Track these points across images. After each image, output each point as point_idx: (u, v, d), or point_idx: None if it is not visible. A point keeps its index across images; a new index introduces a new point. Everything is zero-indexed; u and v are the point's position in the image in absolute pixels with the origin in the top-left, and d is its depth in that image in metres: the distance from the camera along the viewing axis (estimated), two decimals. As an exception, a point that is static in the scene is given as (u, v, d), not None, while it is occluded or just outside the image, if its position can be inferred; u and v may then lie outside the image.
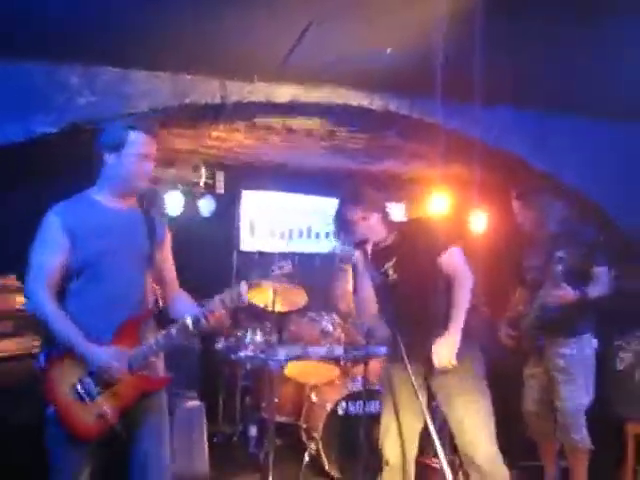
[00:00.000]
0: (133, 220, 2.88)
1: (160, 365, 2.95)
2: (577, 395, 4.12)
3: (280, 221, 7.19)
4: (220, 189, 6.70)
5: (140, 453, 2.80)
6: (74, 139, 4.28)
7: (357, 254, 3.38)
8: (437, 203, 7.02)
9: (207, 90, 4.33)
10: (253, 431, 5.67)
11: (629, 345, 4.85)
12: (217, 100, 4.34)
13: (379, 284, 3.38)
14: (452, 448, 3.71)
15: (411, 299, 3.34)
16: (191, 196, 6.55)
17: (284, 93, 4.46)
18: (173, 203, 6.34)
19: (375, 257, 3.45)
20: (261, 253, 6.70)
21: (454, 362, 3.23)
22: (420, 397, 3.02)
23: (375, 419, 4.72)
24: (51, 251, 2.71)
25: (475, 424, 3.24)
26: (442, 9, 3.38)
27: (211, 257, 6.30)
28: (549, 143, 4.79)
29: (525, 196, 4.30)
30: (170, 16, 3.47)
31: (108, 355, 2.66)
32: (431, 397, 3.46)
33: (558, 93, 4.47)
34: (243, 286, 2.86)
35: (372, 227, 3.44)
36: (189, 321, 2.78)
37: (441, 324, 3.31)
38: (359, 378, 5.01)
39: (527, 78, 4.22)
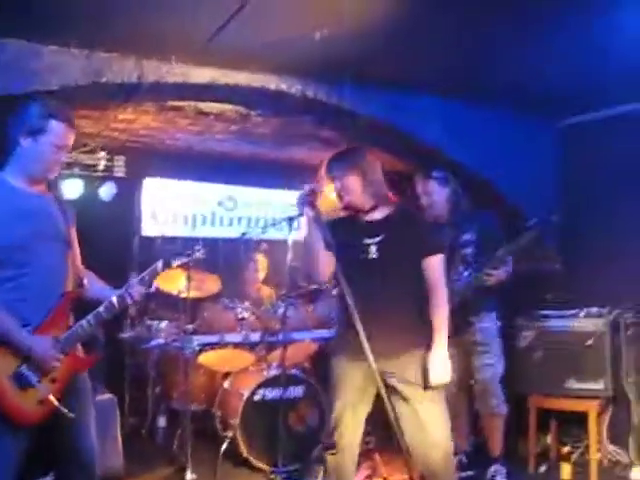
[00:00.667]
0: (49, 204, 2.87)
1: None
2: (495, 363, 4.34)
3: (183, 208, 7.03)
4: (120, 173, 6.45)
5: (73, 431, 2.84)
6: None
7: (307, 209, 3.09)
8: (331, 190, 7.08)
9: (123, 69, 4.17)
10: (162, 422, 5.57)
11: (530, 323, 5.11)
12: (133, 80, 4.19)
13: (350, 258, 3.09)
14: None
15: (385, 285, 3.13)
16: (90, 180, 6.28)
17: (202, 75, 4.37)
18: (71, 187, 6.05)
19: (355, 228, 3.23)
20: (164, 238, 6.53)
21: (449, 379, 3.16)
22: (383, 393, 2.89)
23: (293, 404, 4.82)
24: None
25: (440, 423, 3.16)
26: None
27: (112, 242, 6.08)
28: (464, 132, 4.95)
29: (441, 176, 4.36)
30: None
31: (45, 345, 2.68)
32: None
33: (478, 86, 4.63)
34: (159, 263, 3.01)
35: (355, 190, 3.18)
36: (115, 299, 2.87)
37: (406, 321, 3.16)
38: (274, 364, 5.01)
39: (449, 67, 4.35)
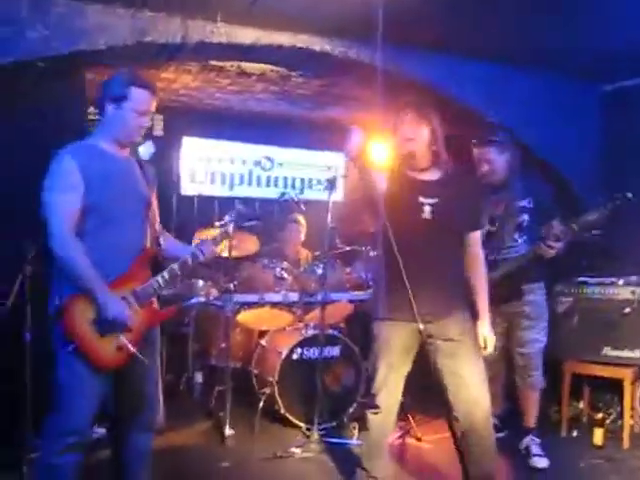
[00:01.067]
0: (133, 167, 3.05)
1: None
2: (540, 338, 4.32)
3: (221, 167, 7.07)
4: (159, 132, 6.49)
5: (138, 379, 3.02)
6: (23, 74, 4.06)
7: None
8: (377, 151, 7.05)
9: (168, 29, 4.18)
10: (199, 378, 5.69)
11: (569, 290, 5.10)
12: (178, 40, 4.20)
13: (403, 215, 3.05)
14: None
15: (435, 247, 3.13)
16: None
17: (246, 35, 4.36)
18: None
19: (410, 185, 3.18)
20: (202, 197, 6.59)
21: (492, 349, 3.31)
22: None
23: (329, 364, 4.89)
24: (72, 193, 2.80)
25: (481, 381, 3.21)
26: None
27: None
28: (506, 96, 4.90)
29: (501, 141, 4.20)
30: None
31: (116, 306, 2.80)
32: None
33: (522, 50, 4.57)
34: (231, 226, 3.27)
35: (423, 141, 3.17)
36: (189, 258, 3.04)
37: (451, 285, 3.21)
38: (311, 324, 5.08)
39: (493, 32, 4.31)
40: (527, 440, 4.39)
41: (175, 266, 3.00)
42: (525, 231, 4.25)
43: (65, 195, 2.79)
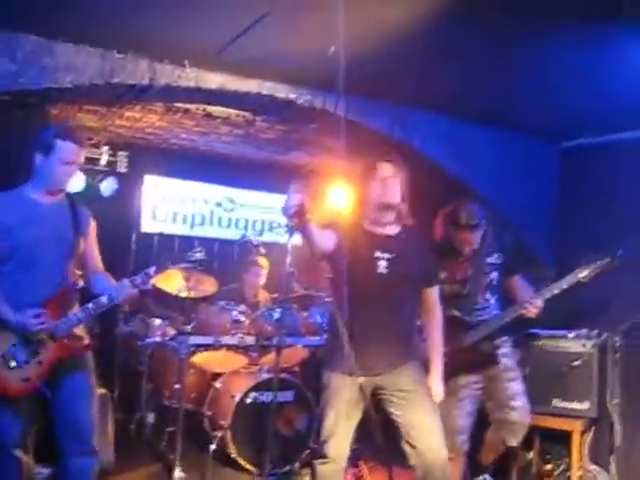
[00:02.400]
0: (59, 213, 3.22)
1: (82, 335, 3.28)
2: (524, 390, 4.27)
3: (182, 207, 7.09)
4: (122, 169, 6.49)
5: (65, 407, 3.18)
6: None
7: (295, 220, 2.90)
8: (337, 196, 7.12)
9: (136, 70, 4.22)
10: (151, 418, 5.61)
11: (520, 342, 5.17)
12: (145, 81, 4.24)
13: (356, 268, 3.05)
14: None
15: (388, 301, 3.19)
16: (92, 174, 6.31)
17: (213, 80, 4.43)
18: (73, 181, 6.07)
19: (368, 237, 3.22)
20: (162, 235, 6.58)
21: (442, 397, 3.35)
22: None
23: (282, 408, 4.88)
24: None
25: (436, 430, 3.23)
26: (389, 14, 3.49)
27: (111, 237, 6.09)
28: (467, 152, 5.03)
29: (481, 223, 4.10)
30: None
31: (29, 315, 3.02)
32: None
33: (483, 106, 4.71)
34: (152, 269, 3.33)
35: (395, 194, 3.21)
36: (104, 298, 3.19)
37: (403, 338, 3.25)
38: (266, 368, 5.07)
39: (455, 89, 4.43)
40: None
41: (90, 305, 3.18)
42: (495, 289, 4.21)
43: None
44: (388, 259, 3.18)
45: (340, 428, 3.27)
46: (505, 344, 4.29)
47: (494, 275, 4.18)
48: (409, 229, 3.34)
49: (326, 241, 3.14)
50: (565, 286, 4.03)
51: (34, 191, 3.19)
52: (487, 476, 4.45)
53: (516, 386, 4.24)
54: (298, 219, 2.90)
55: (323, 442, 3.29)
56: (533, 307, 3.99)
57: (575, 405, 4.84)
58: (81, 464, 3.22)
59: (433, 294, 3.41)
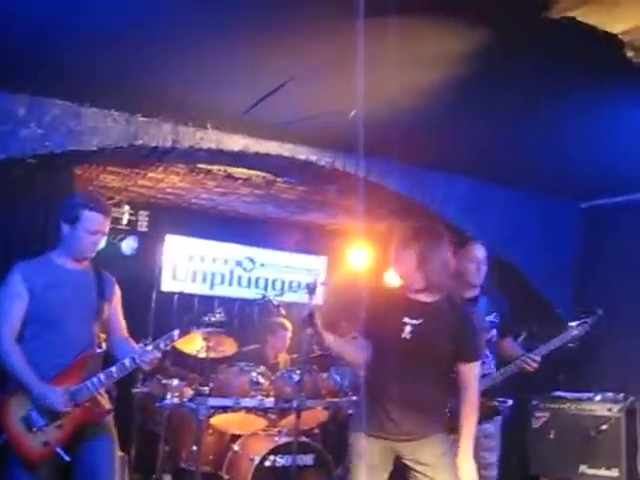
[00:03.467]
0: (84, 279, 3.30)
1: (104, 399, 3.31)
2: (496, 462, 4.19)
3: (202, 266, 7.11)
4: (143, 228, 6.56)
5: (87, 472, 3.15)
6: (16, 170, 4.15)
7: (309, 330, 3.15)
8: (358, 256, 7.14)
9: (159, 133, 4.30)
10: (167, 480, 5.52)
11: (545, 405, 5.09)
12: (168, 144, 4.32)
13: (383, 332, 3.10)
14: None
15: (411, 370, 3.07)
16: (113, 233, 6.37)
17: (235, 142, 4.49)
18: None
19: (397, 303, 3.17)
20: (182, 294, 6.58)
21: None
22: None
23: (302, 472, 4.78)
24: (13, 301, 3.15)
25: None
26: (408, 77, 3.54)
27: (131, 296, 6.12)
28: (485, 212, 5.03)
29: (468, 245, 4.24)
30: (130, 58, 3.47)
31: (54, 394, 3.04)
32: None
33: (503, 166, 4.73)
34: (175, 332, 3.33)
35: (406, 264, 3.14)
36: (127, 362, 3.20)
37: (426, 409, 3.11)
38: (285, 430, 4.99)
39: (474, 150, 4.46)
40: None
41: (113, 369, 3.19)
42: (493, 347, 4.27)
43: (6, 304, 3.15)
44: (413, 325, 3.10)
45: None
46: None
47: (493, 333, 4.26)
48: (450, 296, 3.23)
49: (356, 351, 3.24)
50: (560, 343, 4.15)
51: (60, 257, 3.27)
52: None
53: (491, 457, 4.14)
54: (319, 334, 3.08)
55: None
56: (533, 362, 4.07)
57: (603, 472, 4.72)
58: None
59: (468, 371, 3.19)
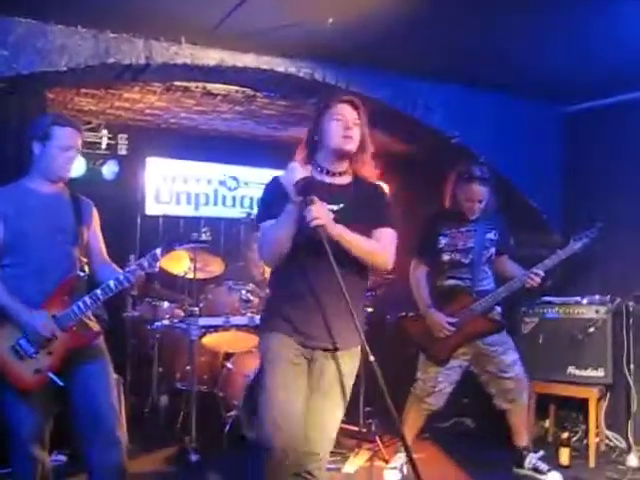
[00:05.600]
0: (59, 203, 3.22)
1: (91, 322, 3.27)
2: (518, 357, 4.37)
3: (186, 187, 7.02)
4: (123, 152, 6.42)
5: (82, 395, 3.14)
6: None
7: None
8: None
9: (131, 50, 4.13)
10: (164, 401, 5.60)
11: (533, 311, 5.15)
12: (142, 61, 4.16)
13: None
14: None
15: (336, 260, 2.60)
16: (93, 158, 6.24)
17: (211, 56, 4.34)
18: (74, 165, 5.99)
19: (318, 189, 2.67)
20: (167, 217, 6.52)
21: None
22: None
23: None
24: None
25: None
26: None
27: (115, 221, 6.05)
28: (472, 119, 4.94)
29: (485, 176, 4.24)
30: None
31: (38, 320, 3.02)
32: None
33: (487, 71, 4.62)
34: (158, 250, 3.23)
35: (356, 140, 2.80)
36: (112, 283, 3.14)
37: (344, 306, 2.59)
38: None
39: (455, 53, 4.34)
40: (531, 459, 4.43)
41: (98, 291, 3.14)
42: (491, 263, 4.40)
43: None
44: (337, 211, 2.76)
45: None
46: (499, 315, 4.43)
47: (492, 250, 4.37)
48: (364, 180, 2.91)
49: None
50: (563, 257, 4.25)
51: (34, 181, 3.18)
52: (534, 454, 4.48)
53: (508, 358, 4.33)
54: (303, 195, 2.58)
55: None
56: (537, 277, 4.19)
57: (590, 372, 4.82)
58: (105, 456, 3.13)
59: (384, 234, 2.84)
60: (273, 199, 2.81)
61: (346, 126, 2.81)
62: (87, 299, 3.13)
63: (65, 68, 4.00)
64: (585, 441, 4.99)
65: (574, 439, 5.05)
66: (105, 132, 6.23)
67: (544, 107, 5.52)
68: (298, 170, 2.68)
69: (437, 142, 5.09)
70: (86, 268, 3.38)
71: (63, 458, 4.32)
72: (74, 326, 3.12)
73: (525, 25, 3.97)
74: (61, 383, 3.06)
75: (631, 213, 5.08)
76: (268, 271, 5.96)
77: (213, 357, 5.42)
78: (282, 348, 2.80)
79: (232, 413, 4.81)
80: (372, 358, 2.58)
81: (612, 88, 5.10)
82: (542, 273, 4.21)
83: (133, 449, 4.52)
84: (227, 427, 4.77)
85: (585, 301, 4.99)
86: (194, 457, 4.54)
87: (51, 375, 3.05)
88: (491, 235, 4.35)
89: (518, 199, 5.37)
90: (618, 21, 3.86)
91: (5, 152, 4.17)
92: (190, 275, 4.89)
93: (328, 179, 2.87)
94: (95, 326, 3.29)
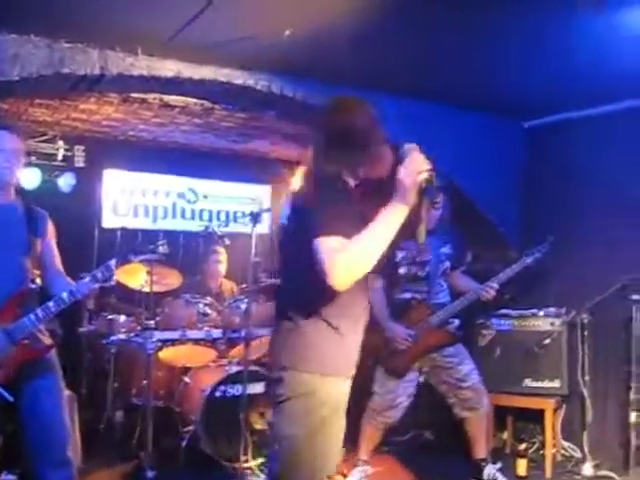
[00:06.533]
0: (11, 213, 3.18)
1: (43, 336, 3.21)
2: (474, 368, 4.43)
3: (144, 200, 6.94)
4: (80, 164, 6.33)
5: (32, 411, 3.09)
6: None
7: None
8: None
9: (86, 60, 4.07)
10: (120, 417, 5.50)
11: (490, 323, 5.19)
12: (97, 71, 4.10)
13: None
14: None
15: (284, 267, 2.50)
16: (49, 170, 6.14)
17: (168, 68, 4.30)
18: (29, 176, 5.88)
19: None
20: (125, 230, 6.44)
21: None
22: None
23: (254, 401, 4.80)
24: None
25: None
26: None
27: (71, 233, 5.94)
28: (431, 135, 4.96)
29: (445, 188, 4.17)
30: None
31: None
32: None
33: (445, 84, 4.66)
34: (112, 261, 3.24)
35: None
36: (65, 295, 3.11)
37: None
38: (235, 360, 5.00)
39: (411, 68, 4.38)
40: (490, 471, 4.45)
41: (50, 303, 3.11)
42: (446, 276, 4.50)
43: None
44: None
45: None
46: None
47: (447, 264, 4.47)
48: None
49: None
50: (516, 271, 4.41)
51: None
52: (492, 465, 4.50)
53: (465, 368, 4.39)
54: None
55: None
56: (492, 290, 4.32)
57: (546, 384, 4.89)
58: (55, 476, 3.11)
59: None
60: (344, 205, 2.24)
61: None
62: (39, 311, 3.08)
63: (17, 78, 3.93)
64: (542, 452, 5.04)
65: (531, 450, 5.09)
66: (61, 143, 6.15)
67: (503, 121, 5.60)
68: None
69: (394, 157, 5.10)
70: (38, 280, 3.35)
71: (12, 478, 4.20)
72: (25, 339, 3.06)
73: (484, 39, 4.02)
74: (11, 398, 3.01)
75: (587, 227, 5.16)
76: (224, 284, 5.97)
77: (170, 371, 5.34)
78: (341, 403, 2.36)
79: (189, 428, 4.75)
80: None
81: (571, 103, 5.19)
82: (497, 286, 4.32)
83: (88, 466, 4.48)
84: (184, 442, 4.70)
85: (541, 313, 5.05)
86: (150, 473, 4.45)
87: (0, 390, 2.98)
88: (446, 249, 4.43)
89: (475, 213, 5.42)
90: (574, 36, 3.92)
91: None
92: (147, 288, 4.82)
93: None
94: (47, 340, 3.23)
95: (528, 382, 4.93)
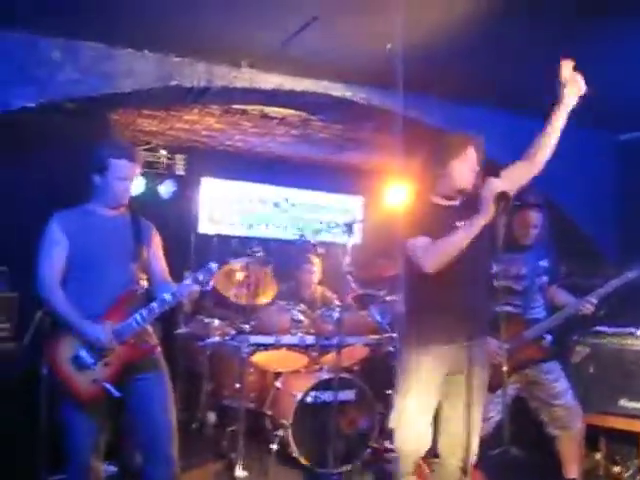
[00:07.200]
0: (120, 224, 3.38)
1: (149, 336, 3.37)
2: (569, 387, 4.34)
3: (240, 208, 7.14)
4: (180, 172, 6.59)
5: (139, 407, 3.25)
6: (53, 115, 4.18)
7: None
8: (395, 195, 7.07)
9: (193, 73, 4.29)
10: (212, 418, 5.66)
11: (585, 340, 5.06)
12: (202, 84, 4.29)
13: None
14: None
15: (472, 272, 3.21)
16: (151, 177, 6.42)
17: (270, 80, 4.45)
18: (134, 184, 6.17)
19: (444, 210, 3.31)
20: (220, 236, 6.64)
21: None
22: None
23: (344, 407, 4.87)
24: (52, 248, 3.25)
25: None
26: (442, 11, 3.45)
27: (169, 238, 6.18)
28: (523, 147, 4.92)
29: (540, 202, 4.27)
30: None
31: (98, 330, 3.13)
32: None
33: (541, 100, 4.60)
34: (213, 264, 3.31)
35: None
36: (167, 296, 3.23)
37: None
38: (326, 367, 5.07)
39: (510, 82, 4.36)
40: None
41: (154, 304, 3.24)
42: (543, 291, 4.39)
43: (49, 251, 3.23)
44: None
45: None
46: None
47: (544, 278, 4.35)
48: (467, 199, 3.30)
49: None
50: (617, 286, 4.23)
51: (95, 206, 3.34)
52: None
53: (559, 386, 4.30)
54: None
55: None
56: (590, 305, 4.20)
57: (643, 405, 4.71)
58: (158, 473, 3.25)
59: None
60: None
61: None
62: (144, 311, 3.22)
63: (130, 90, 4.16)
64: (638, 477, 4.87)
65: (628, 474, 4.92)
66: (164, 152, 6.43)
67: (597, 134, 5.49)
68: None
69: (491, 170, 5.08)
70: (145, 283, 3.47)
71: (114, 469, 4.40)
72: (132, 338, 3.21)
73: (581, 54, 3.97)
74: (117, 394, 3.14)
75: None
76: (318, 289, 6.07)
77: (262, 376, 5.46)
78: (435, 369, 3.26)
79: (279, 432, 4.85)
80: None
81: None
82: (595, 301, 4.21)
83: (179, 464, 4.60)
84: (274, 445, 4.81)
85: (639, 332, 4.89)
86: (240, 473, 4.57)
87: (107, 386, 3.13)
88: (544, 263, 4.33)
89: (571, 227, 5.32)
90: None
91: (72, 174, 4.32)
92: (243, 300, 4.96)
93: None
94: (153, 340, 3.38)
95: (624, 402, 4.76)
